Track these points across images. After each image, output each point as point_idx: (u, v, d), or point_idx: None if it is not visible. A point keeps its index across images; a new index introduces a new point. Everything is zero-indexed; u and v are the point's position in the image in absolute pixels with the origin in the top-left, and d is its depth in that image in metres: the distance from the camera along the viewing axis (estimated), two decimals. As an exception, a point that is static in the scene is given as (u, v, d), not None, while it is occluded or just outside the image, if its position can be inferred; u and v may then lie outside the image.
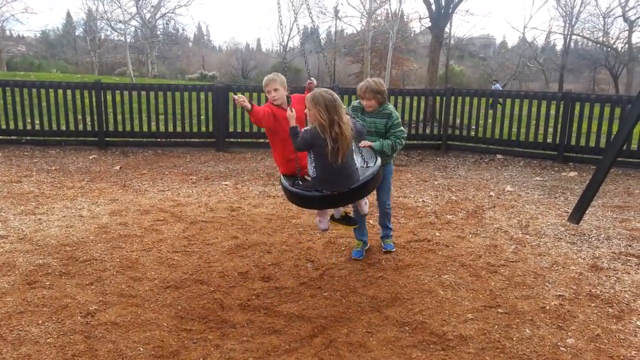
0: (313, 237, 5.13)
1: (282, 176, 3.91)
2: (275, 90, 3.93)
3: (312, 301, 3.77)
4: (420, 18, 30.56)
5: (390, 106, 4.36)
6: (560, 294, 3.93)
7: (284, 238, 5.07)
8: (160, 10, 38.90)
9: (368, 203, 4.21)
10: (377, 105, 4.29)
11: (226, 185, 7.31)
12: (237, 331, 3.35)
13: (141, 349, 3.10)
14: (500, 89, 19.92)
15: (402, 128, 4.33)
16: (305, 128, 3.48)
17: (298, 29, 8.90)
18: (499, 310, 3.66)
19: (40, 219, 5.50)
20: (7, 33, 46.61)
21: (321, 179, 3.51)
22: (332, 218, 4.06)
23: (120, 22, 34.72)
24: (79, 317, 3.43)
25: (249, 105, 3.62)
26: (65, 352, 3.03)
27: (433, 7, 14.14)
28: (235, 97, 3.61)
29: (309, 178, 3.72)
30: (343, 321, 3.49)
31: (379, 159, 3.88)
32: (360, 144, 3.96)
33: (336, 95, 3.44)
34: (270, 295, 3.84)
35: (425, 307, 3.68)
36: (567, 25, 39.55)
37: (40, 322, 3.36)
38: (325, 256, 4.65)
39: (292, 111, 3.57)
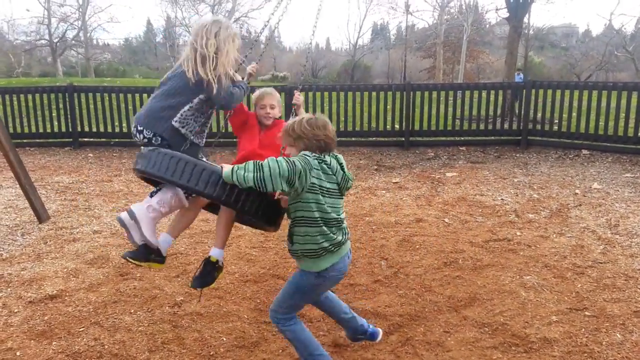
0: (386, 235, 5.11)
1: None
2: (272, 107, 3.28)
3: (387, 299, 3.77)
4: (497, 9, 29.39)
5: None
6: (657, 298, 3.65)
7: (357, 236, 5.09)
8: (234, 15, 40.20)
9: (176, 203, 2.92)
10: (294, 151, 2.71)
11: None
12: (314, 325, 3.42)
13: (224, 339, 3.25)
14: (522, 80, 16.43)
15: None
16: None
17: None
18: (586, 313, 3.47)
19: (129, 215, 5.88)
20: (94, 42, 50.06)
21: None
22: (131, 254, 2.85)
23: (197, 27, 36.28)
24: (167, 307, 3.65)
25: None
26: (155, 340, 3.24)
27: (511, -3, 13.56)
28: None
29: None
30: (419, 320, 3.46)
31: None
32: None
33: None
34: (345, 292, 3.87)
35: (506, 308, 3.56)
36: (662, 8, 36.47)
37: (132, 311, 3.61)
38: (400, 254, 4.62)
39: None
